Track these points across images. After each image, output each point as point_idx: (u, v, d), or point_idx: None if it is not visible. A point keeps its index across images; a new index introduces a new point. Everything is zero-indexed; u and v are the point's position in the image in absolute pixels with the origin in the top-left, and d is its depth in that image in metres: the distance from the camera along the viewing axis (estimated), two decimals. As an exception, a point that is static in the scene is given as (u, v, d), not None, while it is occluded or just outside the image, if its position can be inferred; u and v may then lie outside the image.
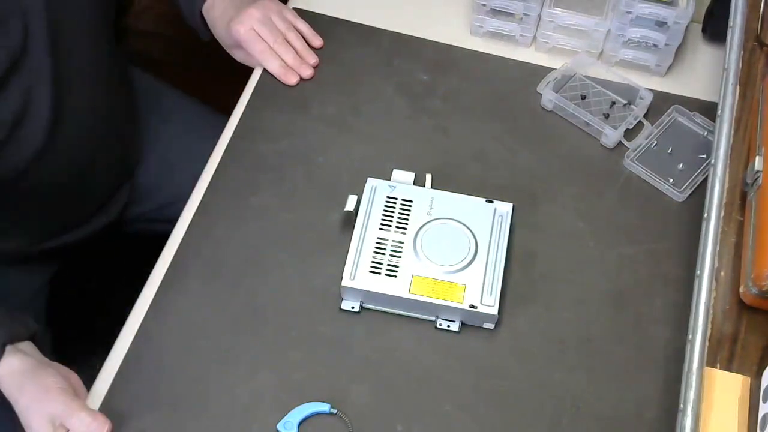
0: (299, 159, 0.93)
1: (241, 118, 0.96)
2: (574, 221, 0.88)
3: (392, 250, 0.80)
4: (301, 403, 0.75)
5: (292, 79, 0.95)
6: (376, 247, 0.81)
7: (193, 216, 0.88)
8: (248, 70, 1.01)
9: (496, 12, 1.02)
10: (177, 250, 0.86)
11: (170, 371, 0.77)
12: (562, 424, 0.76)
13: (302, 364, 0.78)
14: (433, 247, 0.81)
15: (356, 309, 0.80)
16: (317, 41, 0.98)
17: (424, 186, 0.87)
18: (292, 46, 0.96)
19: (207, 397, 0.76)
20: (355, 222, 0.83)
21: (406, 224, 0.82)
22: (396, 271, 0.79)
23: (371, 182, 0.85)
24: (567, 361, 0.79)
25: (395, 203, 0.84)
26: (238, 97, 0.99)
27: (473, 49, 1.03)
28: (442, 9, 1.08)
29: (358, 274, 0.79)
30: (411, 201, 0.84)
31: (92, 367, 0.79)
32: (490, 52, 1.03)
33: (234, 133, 0.95)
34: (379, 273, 0.79)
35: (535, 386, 0.78)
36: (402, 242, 0.81)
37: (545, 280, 0.84)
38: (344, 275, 0.79)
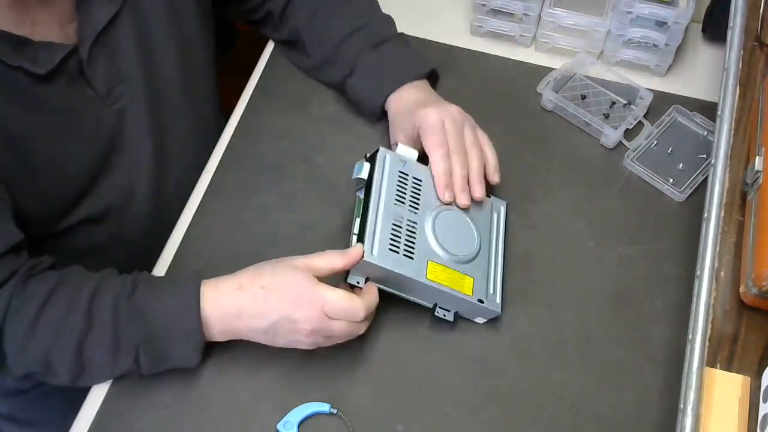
0: (299, 159, 0.93)
1: (241, 118, 0.97)
2: (574, 221, 0.88)
3: (408, 229, 0.76)
4: (301, 403, 0.75)
5: (446, 195, 0.80)
6: (394, 224, 0.76)
7: (193, 216, 0.88)
8: (248, 71, 1.01)
9: (496, 12, 1.02)
10: (177, 250, 0.86)
11: (171, 371, 0.77)
12: (562, 424, 0.76)
13: (302, 364, 0.78)
14: (444, 234, 0.78)
15: (361, 284, 0.76)
16: (495, 177, 0.84)
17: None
18: (468, 165, 0.83)
19: (207, 397, 0.76)
20: (370, 191, 0.77)
21: (418, 204, 0.79)
22: (413, 253, 0.75)
23: (383, 152, 0.80)
24: (567, 361, 0.79)
25: (407, 179, 0.79)
26: (238, 97, 0.99)
27: (473, 49, 1.04)
28: (442, 9, 1.08)
29: (377, 251, 0.73)
30: (421, 181, 0.81)
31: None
32: (490, 52, 1.03)
33: (234, 133, 0.95)
34: (398, 252, 0.75)
35: (535, 386, 0.78)
36: (416, 222, 0.78)
37: (545, 280, 0.84)
38: (365, 249, 0.73)
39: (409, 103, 0.88)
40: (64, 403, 0.79)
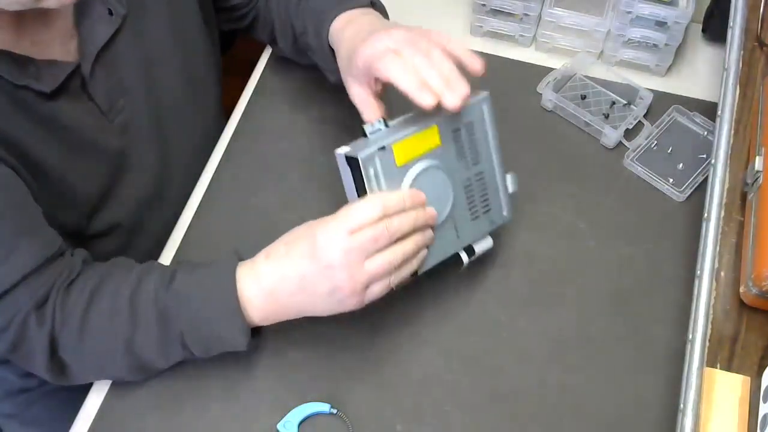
0: (299, 159, 0.93)
1: (241, 118, 0.97)
2: (574, 221, 0.88)
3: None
4: (301, 403, 0.75)
5: (427, 99, 0.68)
6: None
7: (193, 216, 0.89)
8: (248, 70, 1.01)
9: (496, 12, 1.02)
10: (177, 250, 0.86)
11: (170, 371, 0.77)
12: (562, 424, 0.76)
13: (302, 364, 0.78)
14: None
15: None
16: (476, 65, 0.74)
17: None
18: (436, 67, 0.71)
19: (207, 397, 0.76)
20: None
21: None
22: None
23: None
24: (567, 361, 0.79)
25: None
26: (238, 97, 0.99)
27: (473, 49, 1.03)
28: (442, 9, 1.08)
29: None
30: None
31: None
32: (490, 52, 1.03)
33: (234, 133, 0.95)
34: None
35: (535, 386, 0.78)
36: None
37: (545, 280, 0.84)
38: None
39: (356, 33, 0.78)
40: (68, 402, 0.79)
